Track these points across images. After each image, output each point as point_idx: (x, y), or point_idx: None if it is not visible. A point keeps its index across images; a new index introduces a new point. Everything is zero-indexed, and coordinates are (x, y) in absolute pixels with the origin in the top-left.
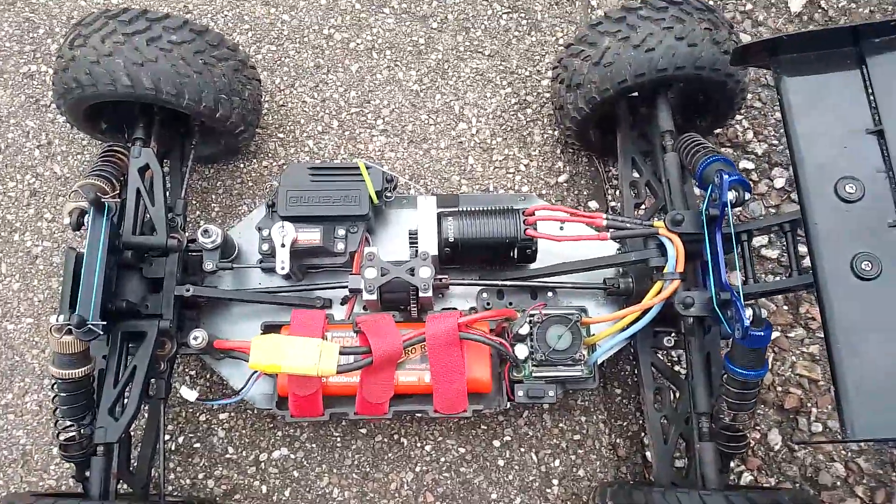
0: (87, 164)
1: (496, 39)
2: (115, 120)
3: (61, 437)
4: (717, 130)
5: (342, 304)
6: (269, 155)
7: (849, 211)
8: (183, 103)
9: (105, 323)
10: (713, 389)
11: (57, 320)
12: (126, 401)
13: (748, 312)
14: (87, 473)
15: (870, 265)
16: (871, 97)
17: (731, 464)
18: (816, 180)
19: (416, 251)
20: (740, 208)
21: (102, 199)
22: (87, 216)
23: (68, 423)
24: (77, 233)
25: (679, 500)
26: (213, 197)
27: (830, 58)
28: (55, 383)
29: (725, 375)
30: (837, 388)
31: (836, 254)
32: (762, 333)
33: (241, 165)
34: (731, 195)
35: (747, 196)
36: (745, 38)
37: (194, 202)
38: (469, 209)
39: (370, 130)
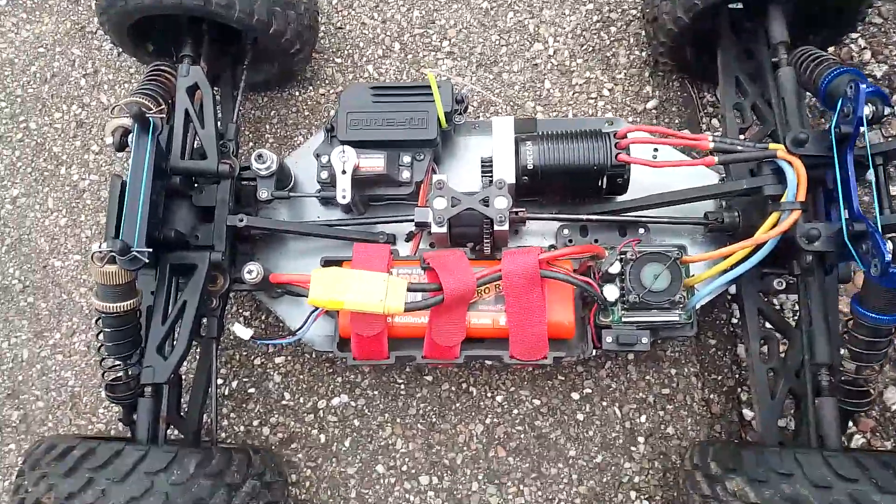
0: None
1: None
2: (162, 41)
3: (107, 377)
4: (829, 51)
5: (407, 240)
6: (327, 81)
7: None
8: (234, 16)
9: (151, 250)
10: (833, 339)
11: (100, 248)
12: (175, 339)
13: (889, 246)
14: (135, 417)
15: None
16: None
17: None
18: None
19: (491, 181)
20: (877, 127)
21: (147, 115)
22: (131, 136)
23: (114, 361)
24: (125, 162)
25: (799, 461)
26: (267, 127)
27: None
28: (99, 318)
29: (852, 321)
30: None
31: None
32: None
33: (297, 93)
34: (867, 109)
35: (887, 111)
36: None
37: (247, 133)
38: (550, 132)
39: (435, 53)
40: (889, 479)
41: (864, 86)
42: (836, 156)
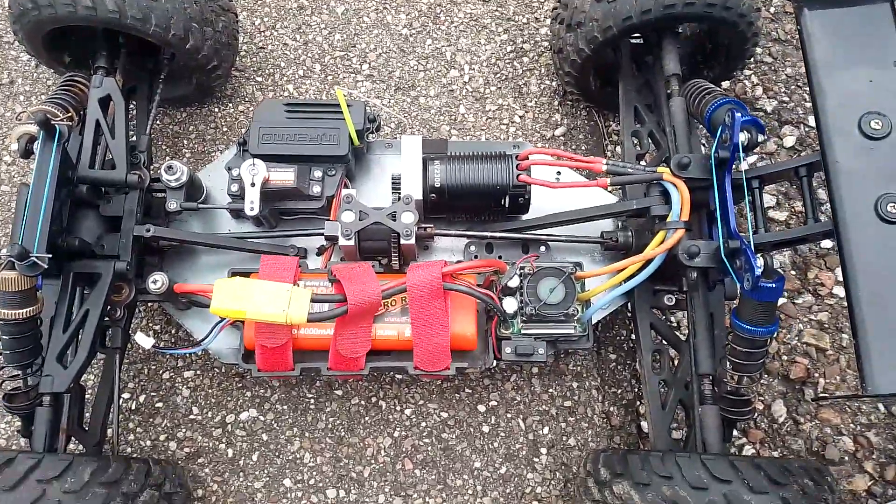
0: None
1: None
2: (79, 52)
3: (6, 387)
4: (725, 86)
5: (318, 254)
6: (246, 99)
7: (874, 149)
8: (150, 29)
9: (50, 256)
10: (716, 351)
11: None
12: (77, 348)
13: (759, 262)
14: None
15: None
16: None
17: (733, 434)
18: (839, 116)
19: (399, 196)
20: (753, 154)
21: (53, 122)
22: (36, 143)
23: (13, 371)
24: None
25: (679, 463)
26: (185, 142)
27: None
28: None
29: (731, 333)
30: (858, 338)
31: (859, 195)
32: (774, 285)
33: (216, 109)
34: (742, 136)
35: (760, 138)
36: None
37: (164, 147)
38: (458, 153)
39: (355, 75)
40: (760, 480)
41: (740, 114)
42: (714, 178)
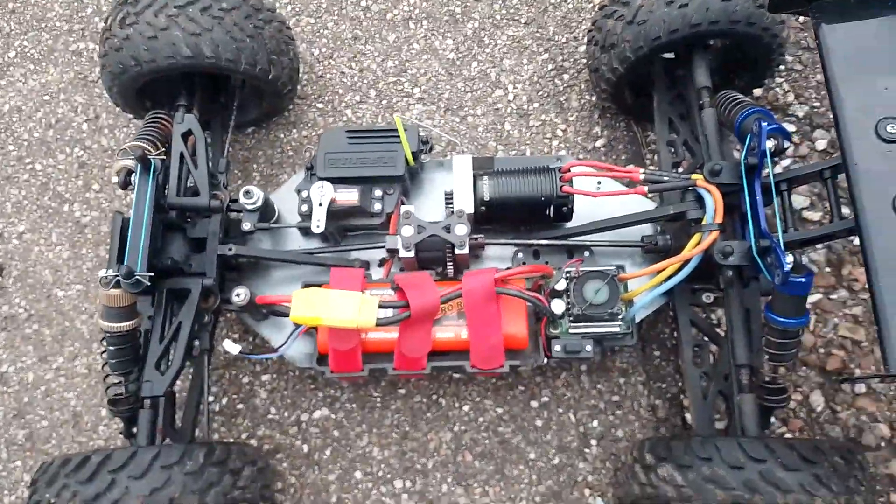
0: (132, 136)
1: (532, 7)
2: (158, 97)
3: (109, 393)
4: (758, 93)
5: (379, 265)
6: (309, 125)
7: (891, 151)
8: (241, 68)
9: (152, 274)
10: (753, 343)
11: (106, 273)
12: (171, 358)
13: (788, 258)
14: (134, 430)
15: None
16: None
17: (774, 423)
18: (857, 122)
19: (452, 211)
20: (780, 159)
21: (148, 157)
22: (133, 175)
23: (116, 378)
24: (123, 200)
25: (717, 446)
26: (255, 166)
27: (870, 1)
28: (104, 337)
29: (766, 326)
30: (880, 324)
31: (878, 194)
32: (803, 280)
33: (282, 135)
34: (769, 143)
35: (786, 144)
36: None
37: (236, 172)
38: (505, 169)
39: (407, 99)
40: (793, 459)
41: (766, 123)
42: (745, 183)
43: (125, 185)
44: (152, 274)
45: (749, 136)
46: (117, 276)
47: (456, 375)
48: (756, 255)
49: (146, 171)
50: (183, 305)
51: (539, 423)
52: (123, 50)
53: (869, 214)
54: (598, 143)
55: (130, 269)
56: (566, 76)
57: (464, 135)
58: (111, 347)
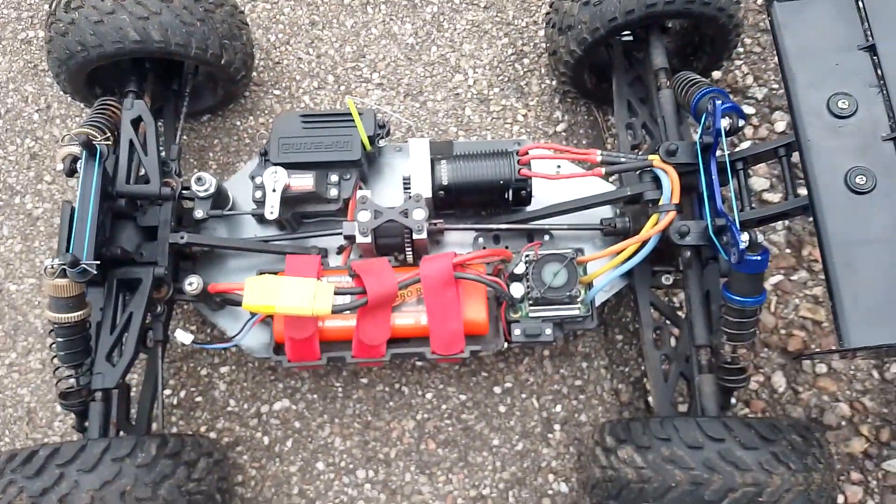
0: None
1: None
2: (109, 82)
3: (61, 386)
4: (717, 76)
5: (338, 253)
6: (266, 112)
7: (842, 126)
8: (191, 53)
9: (98, 262)
10: (712, 324)
11: (52, 262)
12: (123, 348)
13: (744, 237)
14: (86, 424)
15: (864, 179)
16: (864, 14)
17: (735, 404)
18: (809, 98)
19: (410, 195)
20: (738, 139)
21: (94, 143)
22: (79, 162)
23: (67, 370)
24: (74, 189)
25: (676, 426)
26: (211, 154)
27: None
28: (52, 329)
29: (724, 306)
30: (834, 301)
31: (830, 170)
32: (759, 258)
33: (238, 123)
34: (724, 122)
35: (741, 123)
36: None
37: (192, 160)
38: (463, 153)
39: (366, 84)
40: (751, 437)
41: (720, 102)
42: (700, 162)
43: (71, 172)
44: (99, 262)
45: (704, 115)
46: (63, 265)
47: (419, 363)
48: (712, 234)
49: (91, 158)
50: (134, 295)
51: (502, 409)
52: (69, 35)
53: (822, 190)
54: (559, 128)
55: (76, 258)
56: (526, 60)
57: (424, 120)
58: (60, 339)
